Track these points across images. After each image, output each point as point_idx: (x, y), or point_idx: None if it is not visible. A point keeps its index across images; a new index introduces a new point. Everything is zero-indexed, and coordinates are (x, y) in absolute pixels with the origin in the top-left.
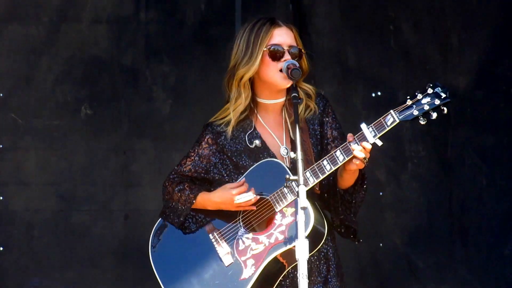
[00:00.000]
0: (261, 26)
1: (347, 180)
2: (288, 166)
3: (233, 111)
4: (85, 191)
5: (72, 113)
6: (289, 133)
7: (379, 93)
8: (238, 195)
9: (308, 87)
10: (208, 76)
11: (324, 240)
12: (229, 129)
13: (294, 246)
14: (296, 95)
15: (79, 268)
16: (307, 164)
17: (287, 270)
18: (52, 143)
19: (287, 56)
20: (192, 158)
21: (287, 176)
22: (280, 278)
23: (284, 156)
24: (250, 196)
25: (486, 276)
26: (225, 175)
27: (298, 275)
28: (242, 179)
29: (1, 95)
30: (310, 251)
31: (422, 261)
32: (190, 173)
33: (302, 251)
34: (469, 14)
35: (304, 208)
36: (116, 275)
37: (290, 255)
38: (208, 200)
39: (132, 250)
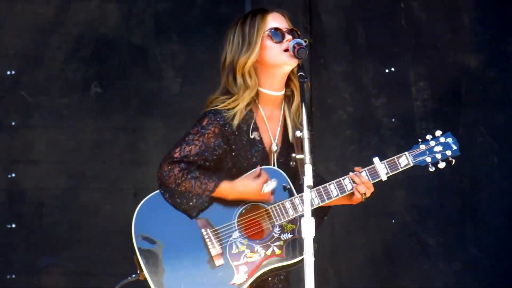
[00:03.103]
0: (253, 16)
1: (333, 203)
2: (283, 173)
3: (242, 101)
4: (95, 169)
5: (81, 91)
6: (283, 129)
7: (392, 69)
8: (265, 183)
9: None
10: (217, 55)
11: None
12: (236, 119)
13: (290, 263)
14: (303, 73)
15: (88, 246)
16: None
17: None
18: (62, 121)
19: (289, 37)
20: (197, 146)
21: (284, 185)
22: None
23: (273, 152)
24: (275, 184)
25: (495, 254)
26: (225, 167)
27: (304, 253)
28: (258, 168)
29: (12, 72)
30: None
31: (432, 239)
32: (195, 160)
33: (308, 229)
34: None
35: (310, 187)
36: (125, 253)
37: (283, 268)
38: (231, 188)
39: None
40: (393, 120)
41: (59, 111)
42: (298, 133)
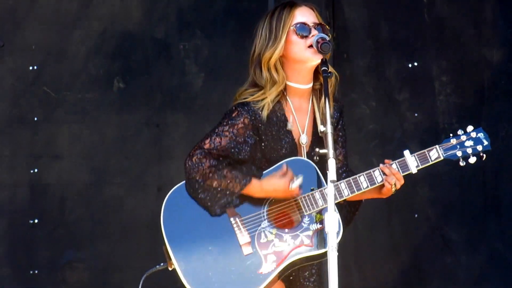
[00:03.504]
0: (281, 10)
1: (361, 196)
2: (313, 163)
3: (269, 95)
4: (118, 164)
5: (104, 86)
6: (313, 122)
7: (415, 64)
8: (292, 180)
9: (331, 70)
10: (240, 50)
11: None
12: (265, 111)
13: (319, 253)
14: (326, 68)
15: (111, 241)
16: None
17: (299, 266)
18: (85, 116)
19: (314, 32)
20: (228, 137)
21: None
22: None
23: (303, 145)
24: (301, 180)
25: None
26: (256, 158)
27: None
28: (284, 166)
29: (34, 68)
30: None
31: (455, 233)
32: (225, 152)
33: (331, 224)
34: None
35: (333, 182)
36: (149, 248)
37: (311, 258)
38: (259, 188)
39: None
40: (416, 114)
41: (82, 106)
42: (321, 128)
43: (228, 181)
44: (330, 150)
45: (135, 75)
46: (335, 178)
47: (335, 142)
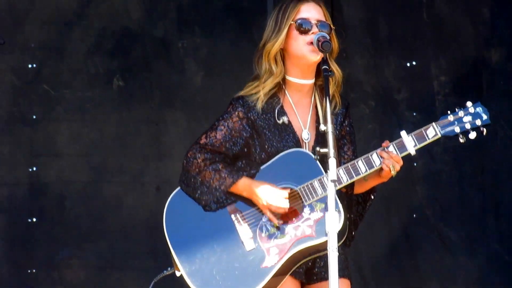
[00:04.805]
0: (289, 3)
1: (365, 185)
2: (309, 152)
3: (263, 88)
4: (117, 162)
5: (104, 84)
6: (315, 119)
7: (414, 63)
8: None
9: (336, 69)
10: (239, 48)
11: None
12: (259, 104)
13: (321, 242)
14: (327, 67)
15: (110, 240)
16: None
17: (306, 259)
18: (84, 114)
19: (315, 30)
20: (223, 131)
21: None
22: (297, 265)
23: (305, 141)
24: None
25: None
26: (254, 152)
27: (328, 248)
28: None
29: (34, 66)
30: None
31: (454, 234)
32: (220, 147)
33: (332, 224)
34: None
35: (334, 181)
36: (148, 247)
37: (314, 248)
38: (248, 187)
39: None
40: (414, 114)
41: (82, 104)
42: (322, 127)
43: (220, 175)
44: (330, 149)
45: (134, 73)
46: (335, 178)
47: (343, 138)
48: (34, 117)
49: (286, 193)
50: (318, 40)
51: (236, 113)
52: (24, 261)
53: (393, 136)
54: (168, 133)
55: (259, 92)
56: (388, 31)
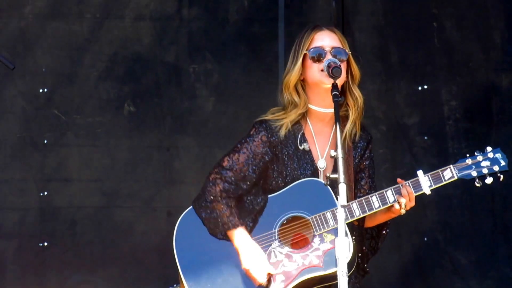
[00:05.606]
0: (304, 33)
1: (377, 220)
2: (324, 182)
3: (288, 117)
4: (128, 188)
5: (115, 110)
6: (333, 147)
7: (425, 87)
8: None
9: (359, 95)
10: (250, 74)
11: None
12: (283, 130)
13: (328, 273)
14: (337, 93)
15: (121, 265)
16: (349, 188)
17: None
18: (95, 139)
19: (328, 56)
20: (246, 154)
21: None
22: None
23: (321, 169)
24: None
25: None
26: (272, 176)
27: (338, 273)
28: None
29: (45, 91)
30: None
31: (464, 258)
32: (243, 170)
33: (341, 249)
34: None
35: (344, 206)
36: (159, 272)
37: (321, 279)
38: (238, 240)
39: None
40: (425, 138)
41: (93, 130)
42: (332, 153)
43: (228, 215)
44: (340, 175)
45: (145, 98)
46: (345, 203)
47: (361, 171)
48: (45, 142)
49: (270, 268)
50: (328, 66)
51: (260, 136)
52: (35, 286)
53: (404, 161)
54: (179, 158)
55: (285, 119)
56: (399, 57)
